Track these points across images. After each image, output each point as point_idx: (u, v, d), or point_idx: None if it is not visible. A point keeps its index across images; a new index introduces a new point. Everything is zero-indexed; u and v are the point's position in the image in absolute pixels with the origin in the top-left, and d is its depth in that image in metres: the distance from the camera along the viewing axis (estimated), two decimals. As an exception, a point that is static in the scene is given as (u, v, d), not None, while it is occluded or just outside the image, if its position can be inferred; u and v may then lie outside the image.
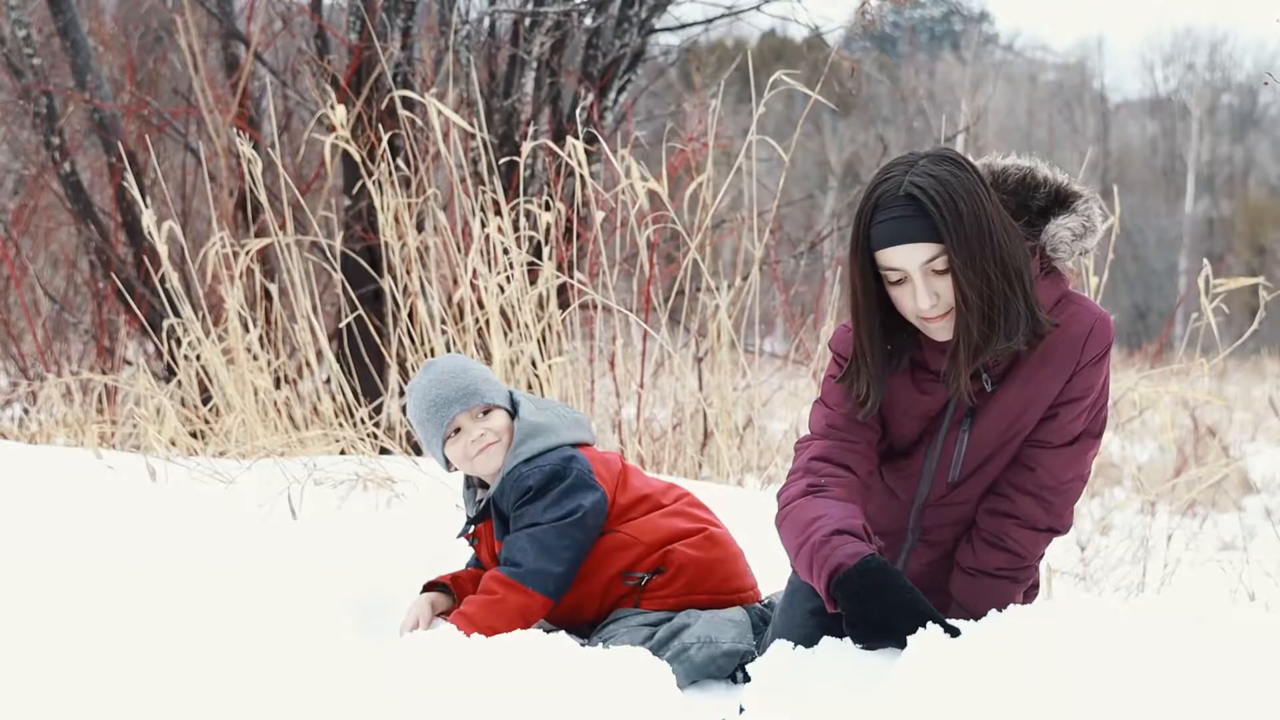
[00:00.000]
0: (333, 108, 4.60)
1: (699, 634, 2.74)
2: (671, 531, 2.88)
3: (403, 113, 4.72)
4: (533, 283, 4.53)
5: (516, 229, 4.56)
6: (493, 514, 2.87)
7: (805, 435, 2.57)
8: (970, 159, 2.39)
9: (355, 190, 5.68)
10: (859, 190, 2.47)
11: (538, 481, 2.79)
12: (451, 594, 2.96)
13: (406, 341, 4.71)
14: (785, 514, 2.45)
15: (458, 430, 2.85)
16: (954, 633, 2.20)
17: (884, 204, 2.30)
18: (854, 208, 2.38)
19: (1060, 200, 2.49)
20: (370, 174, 4.80)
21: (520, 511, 2.79)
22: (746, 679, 2.62)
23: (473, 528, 2.96)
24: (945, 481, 2.52)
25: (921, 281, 2.31)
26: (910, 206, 2.28)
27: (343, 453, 4.47)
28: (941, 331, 2.38)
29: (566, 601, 2.83)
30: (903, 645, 2.21)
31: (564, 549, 2.77)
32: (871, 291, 2.38)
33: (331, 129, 4.60)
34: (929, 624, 2.20)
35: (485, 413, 2.85)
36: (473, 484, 2.98)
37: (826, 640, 2.36)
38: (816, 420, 2.55)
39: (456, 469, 2.94)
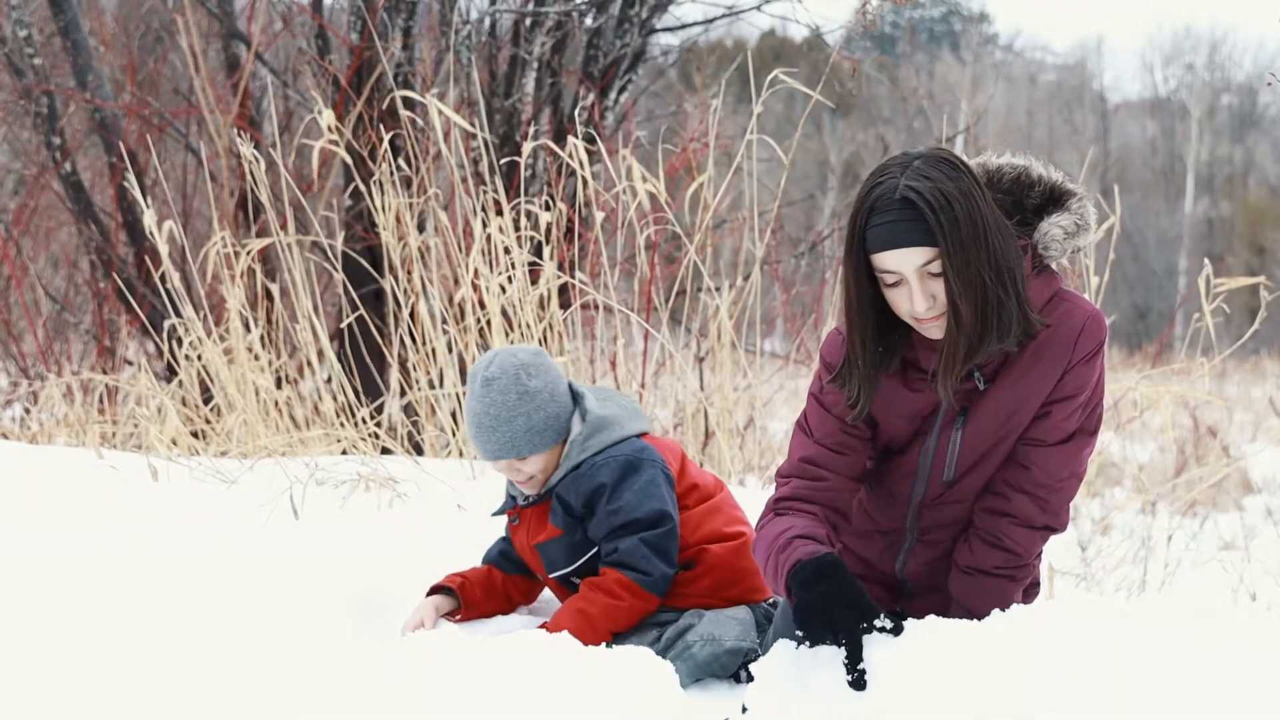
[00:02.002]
0: (320, 112, 4.60)
1: (702, 632, 2.75)
2: (711, 532, 2.90)
3: (403, 113, 4.72)
4: (534, 283, 4.54)
5: (517, 229, 4.56)
6: (555, 501, 2.87)
7: (783, 467, 2.57)
8: (965, 159, 2.39)
9: (348, 191, 5.68)
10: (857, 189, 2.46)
11: (611, 476, 2.80)
12: (456, 597, 2.96)
13: (408, 341, 4.71)
14: (756, 540, 2.49)
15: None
16: (897, 631, 2.22)
17: (880, 207, 2.29)
18: (851, 209, 2.37)
19: (1055, 199, 2.49)
20: (369, 174, 4.81)
21: (612, 508, 2.80)
22: (749, 678, 2.62)
23: (514, 507, 2.95)
24: (940, 481, 2.52)
25: (917, 284, 2.31)
26: (906, 210, 2.28)
27: (344, 452, 4.47)
28: (936, 331, 2.38)
29: None
30: (841, 642, 2.21)
31: (673, 550, 2.82)
32: (866, 293, 2.37)
33: (330, 129, 4.59)
34: (871, 621, 2.22)
35: (522, 458, 2.86)
36: None
37: (829, 640, 2.37)
38: (794, 450, 2.55)
39: None
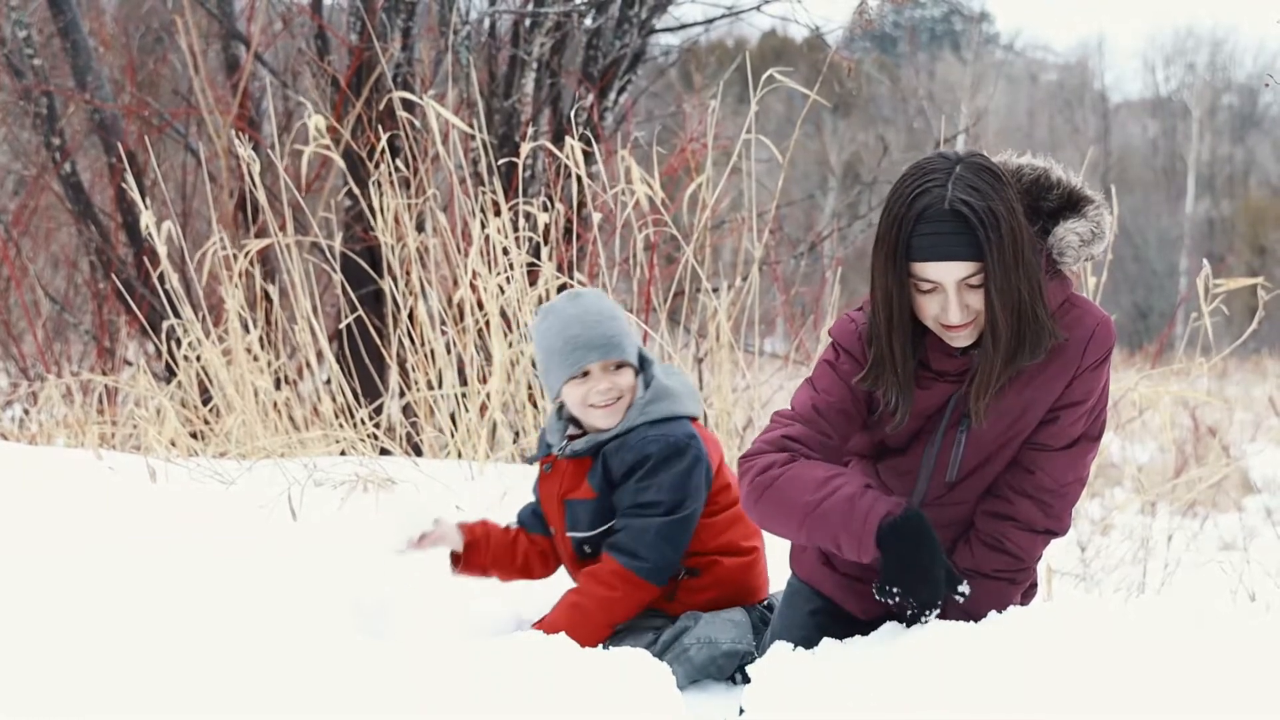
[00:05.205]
0: (310, 116, 4.60)
1: (698, 634, 2.74)
2: (727, 543, 2.86)
3: (402, 114, 4.72)
4: (533, 283, 4.53)
5: (516, 230, 4.55)
6: (600, 462, 2.80)
7: (785, 412, 2.52)
8: (996, 164, 2.38)
9: (345, 192, 5.68)
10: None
11: (658, 452, 2.74)
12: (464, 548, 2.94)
13: (406, 342, 4.70)
14: (777, 475, 2.39)
15: (585, 374, 2.79)
16: (963, 596, 2.31)
17: (928, 217, 2.27)
18: (888, 211, 2.32)
19: (1071, 204, 2.47)
20: (368, 175, 4.80)
21: (644, 484, 2.74)
22: (746, 680, 2.62)
23: (551, 454, 2.89)
24: (942, 481, 2.51)
25: (955, 295, 2.30)
26: (955, 223, 2.26)
27: (343, 453, 4.47)
28: (963, 339, 2.37)
29: None
30: (927, 602, 2.26)
31: (683, 540, 2.77)
32: (906, 301, 2.35)
33: (330, 130, 4.59)
34: (955, 585, 2.31)
35: (618, 366, 2.80)
36: (564, 414, 2.92)
37: (826, 641, 2.37)
38: (801, 400, 2.51)
39: (560, 402, 2.89)
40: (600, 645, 2.74)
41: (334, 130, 5.08)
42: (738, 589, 2.86)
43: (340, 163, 4.78)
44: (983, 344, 2.35)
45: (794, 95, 4.58)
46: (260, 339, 4.79)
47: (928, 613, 2.28)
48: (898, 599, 2.28)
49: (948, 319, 2.33)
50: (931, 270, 2.30)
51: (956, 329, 2.35)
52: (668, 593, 2.85)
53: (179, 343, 4.87)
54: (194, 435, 4.81)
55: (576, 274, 4.63)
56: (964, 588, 2.31)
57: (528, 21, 5.87)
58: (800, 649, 2.37)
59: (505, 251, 4.47)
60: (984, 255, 2.27)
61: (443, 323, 4.71)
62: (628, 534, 2.74)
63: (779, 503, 2.38)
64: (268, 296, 5.41)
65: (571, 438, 2.87)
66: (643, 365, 2.84)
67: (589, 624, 2.71)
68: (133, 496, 3.61)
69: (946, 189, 2.27)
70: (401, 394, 5.07)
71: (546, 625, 2.74)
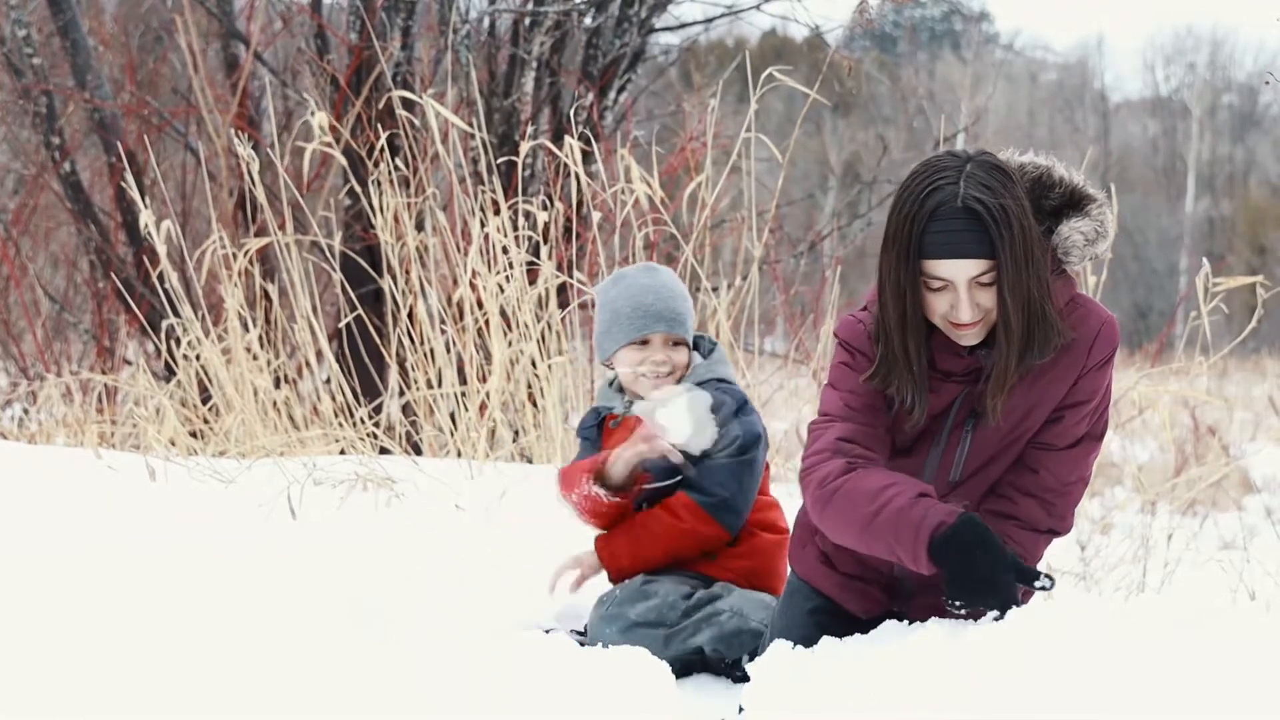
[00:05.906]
0: (312, 114, 4.60)
1: (732, 604, 2.80)
2: (765, 519, 2.96)
3: (401, 113, 4.71)
4: (532, 282, 4.53)
5: (515, 229, 4.55)
6: None
7: (820, 419, 2.50)
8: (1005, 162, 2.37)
9: (345, 191, 5.68)
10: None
11: (735, 400, 2.87)
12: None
13: (406, 341, 4.70)
14: (835, 488, 2.35)
15: (645, 342, 2.89)
16: (1051, 585, 2.24)
17: (941, 214, 2.27)
18: (899, 209, 2.31)
19: (1073, 202, 2.47)
20: (368, 174, 4.80)
21: (724, 430, 2.82)
22: (745, 678, 2.62)
23: (612, 413, 2.97)
24: (946, 481, 2.51)
25: (965, 293, 2.30)
26: (968, 220, 2.26)
27: (342, 452, 4.47)
28: (970, 338, 2.37)
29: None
30: (1001, 607, 2.20)
31: (751, 485, 2.88)
32: (920, 300, 2.34)
33: (330, 130, 4.59)
34: (1030, 581, 2.24)
35: (676, 344, 2.91)
36: (614, 385, 3.02)
37: (825, 640, 2.36)
38: (831, 402, 2.49)
39: (608, 366, 2.98)
40: (641, 582, 2.81)
41: (334, 129, 5.08)
42: (769, 566, 2.95)
43: (342, 160, 4.77)
44: (996, 341, 2.35)
45: (794, 94, 4.58)
46: (260, 338, 4.79)
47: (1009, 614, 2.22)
48: (965, 610, 2.23)
49: (958, 317, 2.32)
50: (944, 268, 2.29)
51: (965, 327, 2.34)
52: (710, 551, 2.92)
53: (178, 342, 4.87)
54: (193, 434, 4.81)
55: (576, 273, 4.63)
56: (1042, 581, 2.24)
57: (527, 20, 5.87)
58: (800, 648, 2.37)
59: (505, 250, 4.47)
60: (997, 253, 2.27)
61: (442, 322, 4.71)
62: (700, 471, 2.85)
63: (838, 516, 2.37)
64: (267, 295, 5.41)
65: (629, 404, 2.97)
66: (696, 346, 2.97)
67: (650, 542, 2.83)
68: (132, 496, 3.61)
69: (959, 186, 2.27)
70: (401, 393, 5.06)
71: (603, 540, 2.87)
